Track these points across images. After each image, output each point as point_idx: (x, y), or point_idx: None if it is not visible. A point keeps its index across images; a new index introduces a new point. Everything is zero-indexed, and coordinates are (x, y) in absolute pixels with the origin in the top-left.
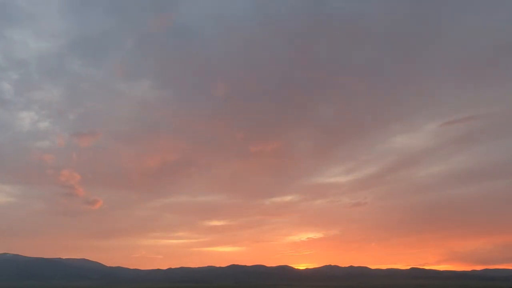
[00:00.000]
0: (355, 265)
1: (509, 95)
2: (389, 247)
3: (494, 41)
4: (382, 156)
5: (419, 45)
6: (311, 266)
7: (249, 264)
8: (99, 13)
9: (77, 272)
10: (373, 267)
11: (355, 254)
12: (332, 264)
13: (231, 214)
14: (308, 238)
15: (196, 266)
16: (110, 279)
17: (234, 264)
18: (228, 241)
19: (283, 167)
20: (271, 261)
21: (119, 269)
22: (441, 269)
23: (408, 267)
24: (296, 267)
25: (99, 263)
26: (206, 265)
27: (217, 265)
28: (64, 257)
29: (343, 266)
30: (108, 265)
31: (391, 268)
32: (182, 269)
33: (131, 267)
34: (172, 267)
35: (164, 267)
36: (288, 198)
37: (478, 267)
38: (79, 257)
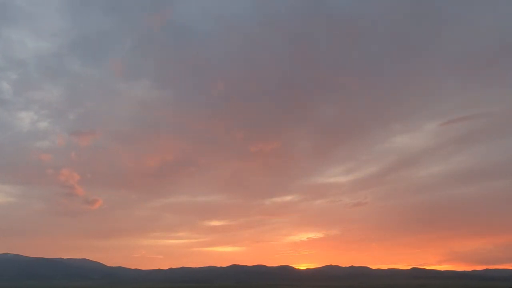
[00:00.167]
0: (356, 265)
1: (509, 95)
2: (390, 247)
3: (494, 41)
4: (382, 156)
5: (419, 45)
6: (311, 266)
7: (250, 264)
8: (98, 13)
9: (78, 272)
10: (374, 267)
11: (356, 254)
12: (333, 264)
13: (231, 214)
14: (308, 238)
15: (197, 266)
16: (111, 279)
17: (235, 264)
18: (228, 241)
19: (283, 167)
20: (272, 261)
21: (120, 269)
22: (442, 269)
23: (409, 267)
24: (297, 267)
25: (100, 263)
26: (207, 265)
27: (218, 265)
28: (65, 257)
29: (344, 266)
30: (109, 265)
31: (392, 268)
32: (183, 269)
33: (132, 267)
34: (173, 267)
35: (165, 267)
36: (288, 198)
37: (479, 267)
38: (80, 257)
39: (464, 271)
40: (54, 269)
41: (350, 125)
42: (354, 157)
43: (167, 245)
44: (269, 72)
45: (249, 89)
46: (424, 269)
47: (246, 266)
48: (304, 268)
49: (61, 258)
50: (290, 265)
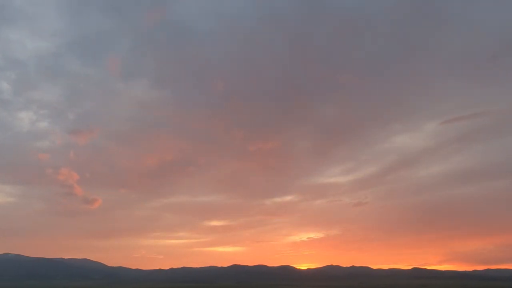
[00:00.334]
0: (357, 265)
1: (509, 94)
2: (391, 247)
3: (494, 41)
4: (382, 156)
5: (419, 45)
6: (312, 266)
7: (250, 264)
8: (97, 13)
9: (78, 272)
10: (374, 267)
11: (356, 254)
12: (334, 264)
13: (231, 214)
14: (308, 238)
15: (198, 266)
16: (112, 279)
17: (235, 264)
18: (228, 241)
19: (283, 167)
20: (272, 261)
21: (120, 269)
22: (443, 269)
23: (410, 267)
24: (297, 267)
25: (101, 263)
26: (207, 265)
27: (219, 265)
28: (65, 257)
29: (344, 266)
30: (109, 265)
31: (393, 268)
32: (184, 269)
33: (133, 267)
34: (174, 267)
35: (166, 267)
36: (288, 198)
37: (480, 267)
38: (80, 257)
39: (465, 271)
40: (55, 269)
41: (350, 125)
42: (354, 157)
43: (167, 245)
44: (269, 72)
45: (249, 89)
46: (425, 269)
47: (247, 266)
48: (305, 268)
49: (61, 258)
50: (291, 265)
